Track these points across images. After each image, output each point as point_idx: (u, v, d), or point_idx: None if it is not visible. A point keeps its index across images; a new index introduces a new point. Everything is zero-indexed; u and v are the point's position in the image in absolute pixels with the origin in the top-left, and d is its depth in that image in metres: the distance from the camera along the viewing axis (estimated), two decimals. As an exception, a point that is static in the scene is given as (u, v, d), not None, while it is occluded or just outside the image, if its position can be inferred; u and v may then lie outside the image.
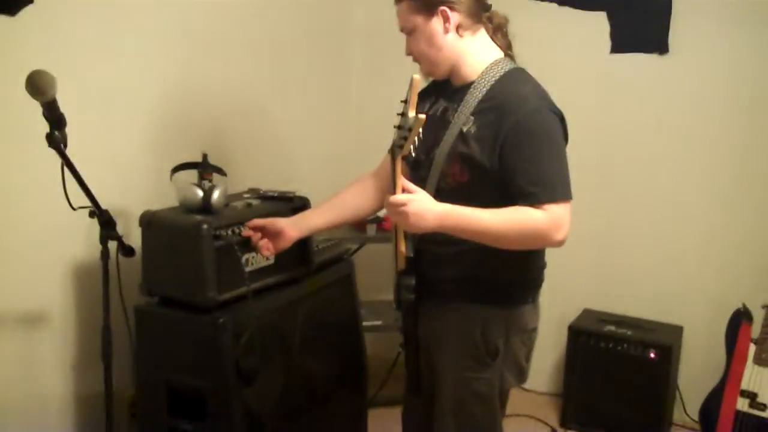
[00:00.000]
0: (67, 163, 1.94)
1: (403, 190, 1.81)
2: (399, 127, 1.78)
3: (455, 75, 2.02)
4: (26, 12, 2.29)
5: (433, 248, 2.00)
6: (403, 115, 1.75)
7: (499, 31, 2.04)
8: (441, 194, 1.91)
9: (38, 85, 1.81)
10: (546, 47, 3.26)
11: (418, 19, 1.96)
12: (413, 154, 1.87)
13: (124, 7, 2.61)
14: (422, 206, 1.79)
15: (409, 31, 2.01)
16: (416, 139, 1.78)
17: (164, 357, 2.41)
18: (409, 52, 2.05)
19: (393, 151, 1.83)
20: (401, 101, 1.77)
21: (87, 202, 2.08)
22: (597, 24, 3.45)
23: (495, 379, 2.04)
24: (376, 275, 3.57)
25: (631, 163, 3.51)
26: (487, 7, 2.03)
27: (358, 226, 3.45)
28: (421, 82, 1.80)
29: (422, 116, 1.69)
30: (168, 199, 2.47)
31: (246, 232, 2.23)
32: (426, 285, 2.03)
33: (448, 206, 1.82)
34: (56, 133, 1.87)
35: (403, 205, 1.77)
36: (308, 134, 3.68)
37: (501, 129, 1.86)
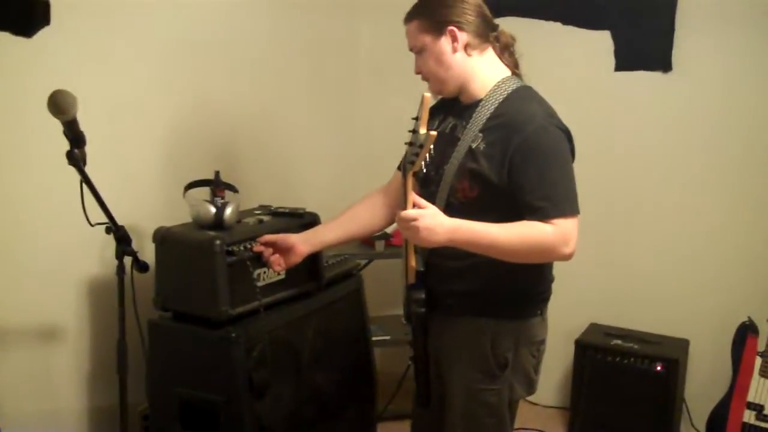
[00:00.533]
0: (86, 180, 1.97)
1: (414, 206, 1.83)
2: (410, 144, 1.81)
3: (464, 93, 2.05)
4: (42, 33, 2.34)
5: (442, 262, 2.03)
6: (415, 132, 1.78)
7: (506, 50, 2.08)
8: (450, 209, 1.94)
9: (60, 105, 1.84)
10: (551, 66, 3.28)
11: (427, 39, 2.01)
12: (424, 170, 1.90)
13: (137, 27, 2.66)
14: (433, 221, 1.82)
15: (418, 51, 2.05)
16: (427, 155, 1.81)
17: (177, 370, 2.44)
18: (418, 71, 2.09)
19: (404, 167, 1.87)
20: (412, 118, 1.80)
21: (103, 219, 2.12)
22: (601, 43, 3.48)
23: (504, 390, 2.06)
24: (384, 291, 3.60)
25: (636, 179, 3.54)
26: (495, 27, 2.07)
27: (367, 241, 3.48)
28: (431, 100, 1.84)
29: (434, 133, 1.73)
30: (179, 215, 2.51)
31: (257, 247, 2.26)
32: (436, 298, 2.05)
33: (458, 221, 1.85)
34: (76, 151, 1.91)
35: (414, 220, 1.79)
36: (316, 151, 3.72)
37: (509, 145, 1.89)
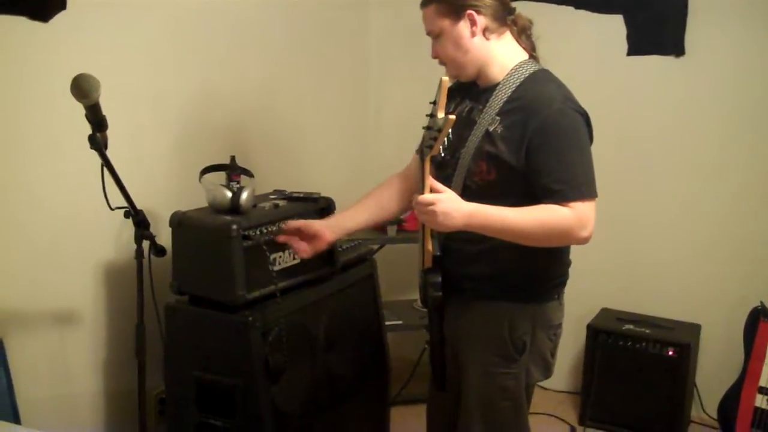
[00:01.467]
0: (107, 164, 1.97)
1: (431, 190, 1.84)
2: (428, 128, 1.81)
3: (482, 77, 2.05)
4: (58, 18, 2.34)
5: (459, 246, 2.04)
6: (432, 116, 1.78)
7: (524, 34, 2.08)
8: (467, 193, 1.94)
9: (83, 88, 1.84)
10: (563, 50, 3.26)
11: (445, 23, 2.00)
12: (442, 154, 1.90)
13: (153, 12, 2.66)
14: (450, 205, 1.82)
15: (435, 35, 2.04)
16: (445, 139, 1.81)
17: (194, 354, 2.45)
18: (435, 55, 2.08)
19: (422, 151, 1.87)
20: (430, 102, 1.80)
21: (120, 203, 2.12)
22: (614, 27, 3.47)
23: (521, 373, 2.07)
24: (396, 276, 3.62)
25: (648, 164, 3.54)
26: (512, 11, 2.06)
27: (379, 226, 3.48)
28: (449, 84, 1.83)
29: (452, 117, 1.72)
30: (194, 200, 2.52)
31: (282, 238, 2.21)
32: (452, 282, 2.05)
33: (475, 205, 1.85)
34: (98, 135, 1.91)
35: (432, 204, 1.80)
36: (329, 137, 3.72)
37: (527, 128, 1.89)
